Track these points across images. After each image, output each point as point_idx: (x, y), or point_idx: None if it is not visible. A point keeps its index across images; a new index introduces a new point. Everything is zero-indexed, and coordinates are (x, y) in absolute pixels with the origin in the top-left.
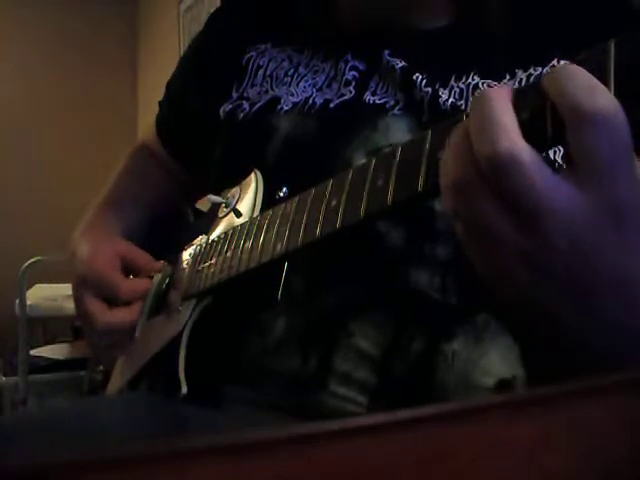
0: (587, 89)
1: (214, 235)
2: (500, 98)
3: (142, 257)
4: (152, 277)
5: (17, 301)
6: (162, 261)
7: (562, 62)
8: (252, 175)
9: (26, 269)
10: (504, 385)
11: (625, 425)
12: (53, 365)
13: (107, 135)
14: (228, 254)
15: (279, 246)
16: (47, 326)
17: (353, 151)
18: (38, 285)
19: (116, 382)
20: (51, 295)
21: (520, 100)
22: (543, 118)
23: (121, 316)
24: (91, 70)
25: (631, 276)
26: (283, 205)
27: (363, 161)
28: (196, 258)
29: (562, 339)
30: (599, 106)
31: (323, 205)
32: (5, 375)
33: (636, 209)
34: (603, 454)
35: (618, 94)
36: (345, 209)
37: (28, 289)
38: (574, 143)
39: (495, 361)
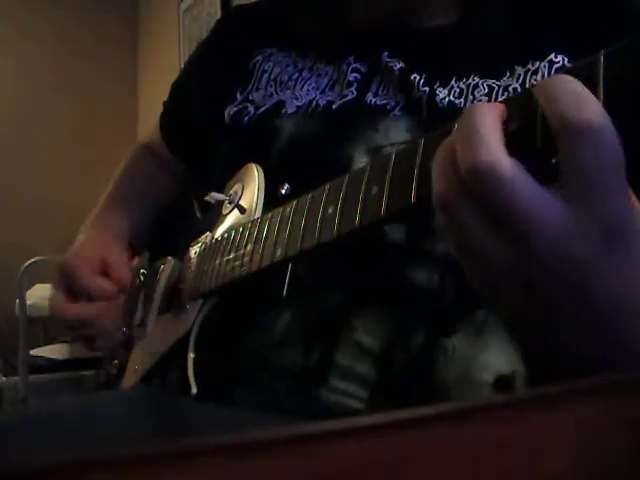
0: (575, 99)
1: (218, 233)
2: (484, 112)
3: (116, 257)
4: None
5: (17, 301)
6: (133, 263)
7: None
8: (254, 171)
9: (26, 269)
10: (503, 380)
11: (625, 425)
12: (53, 365)
13: (107, 135)
14: (231, 255)
15: (279, 251)
16: (47, 326)
17: (354, 150)
18: (38, 285)
19: (130, 378)
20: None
21: (510, 111)
22: (533, 129)
23: (74, 311)
24: (91, 70)
25: (619, 292)
26: (281, 209)
27: (360, 166)
28: (201, 257)
29: (557, 349)
30: (585, 117)
31: (320, 212)
32: (5, 375)
33: (624, 225)
34: (603, 454)
35: (608, 105)
36: (341, 219)
37: (28, 289)
38: (561, 155)
39: (494, 356)
